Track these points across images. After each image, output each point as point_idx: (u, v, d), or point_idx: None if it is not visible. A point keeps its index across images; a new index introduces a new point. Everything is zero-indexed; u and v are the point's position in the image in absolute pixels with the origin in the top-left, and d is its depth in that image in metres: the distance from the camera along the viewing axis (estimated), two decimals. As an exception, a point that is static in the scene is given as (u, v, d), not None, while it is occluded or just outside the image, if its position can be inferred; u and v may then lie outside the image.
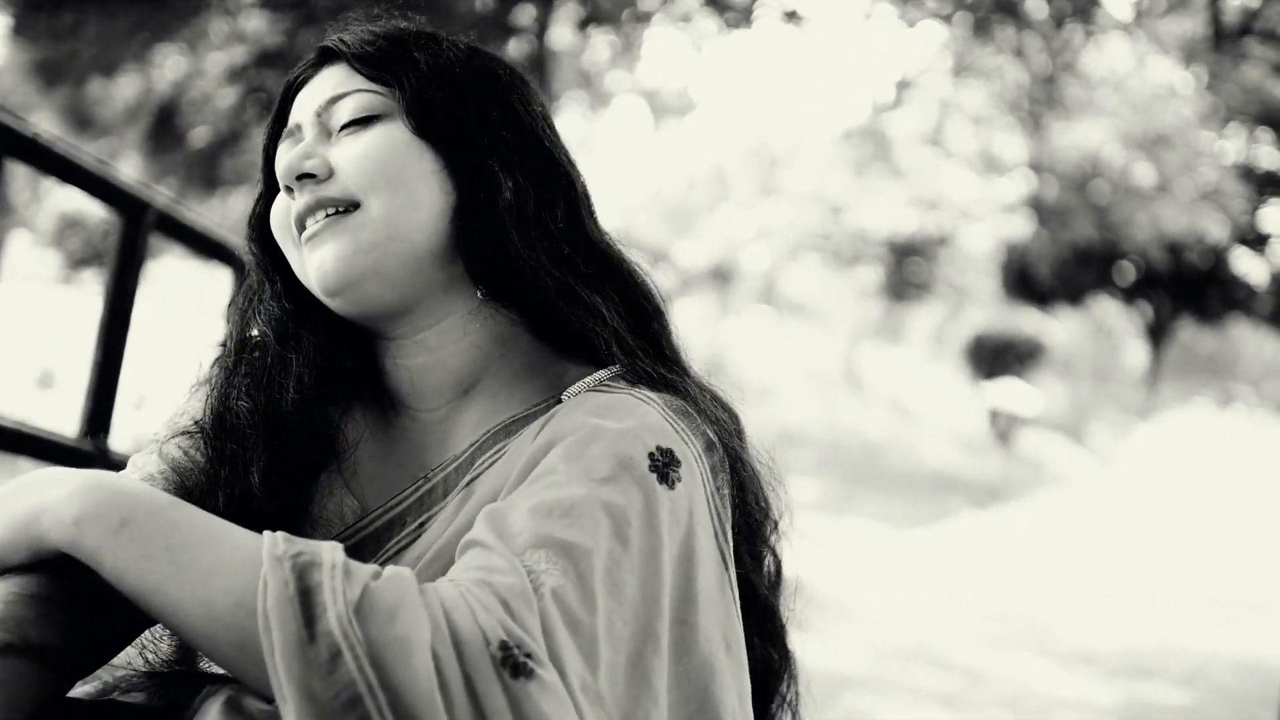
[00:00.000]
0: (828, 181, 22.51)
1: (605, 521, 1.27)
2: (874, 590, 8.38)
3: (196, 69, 13.67)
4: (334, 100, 1.45)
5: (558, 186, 1.47)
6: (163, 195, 2.89)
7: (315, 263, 1.42)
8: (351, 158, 1.41)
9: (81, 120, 15.07)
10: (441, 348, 1.47)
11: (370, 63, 1.45)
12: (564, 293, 1.44)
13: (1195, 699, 7.15)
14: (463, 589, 1.17)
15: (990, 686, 6.75)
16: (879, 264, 23.05)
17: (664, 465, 1.34)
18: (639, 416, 1.37)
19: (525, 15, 12.08)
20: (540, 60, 11.68)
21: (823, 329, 21.21)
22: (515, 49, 11.83)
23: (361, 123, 1.43)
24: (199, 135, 14.08)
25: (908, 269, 23.13)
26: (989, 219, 23.19)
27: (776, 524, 1.60)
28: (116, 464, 2.23)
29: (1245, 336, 29.46)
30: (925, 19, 10.76)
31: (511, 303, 1.47)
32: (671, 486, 1.33)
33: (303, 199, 1.42)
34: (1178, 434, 22.65)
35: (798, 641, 1.65)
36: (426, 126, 1.42)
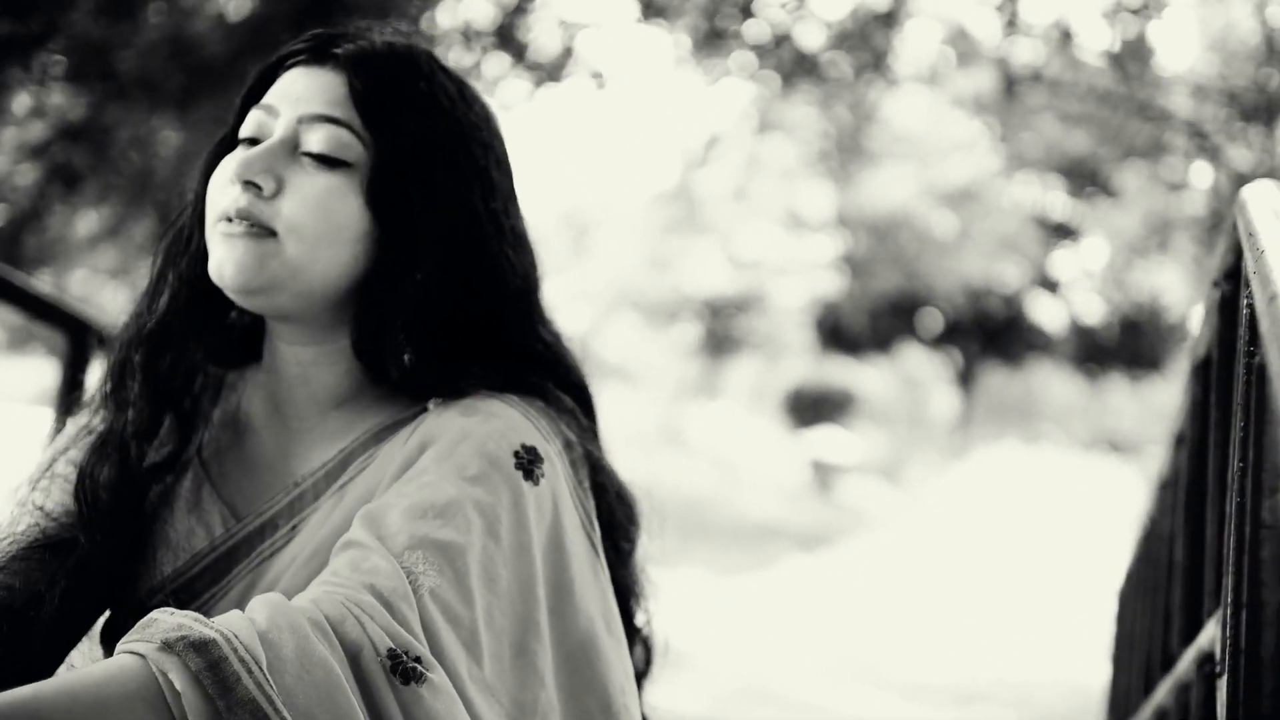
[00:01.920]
0: (642, 242, 22.75)
1: (477, 520, 1.33)
2: (708, 636, 8.46)
3: (-8, 145, 13.27)
4: (320, 119, 1.43)
5: (475, 279, 1.48)
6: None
7: (218, 257, 1.43)
8: (299, 196, 1.41)
9: None
10: (318, 364, 1.51)
11: (368, 104, 1.44)
12: (435, 383, 1.48)
13: (1024, 720, 7.37)
14: (344, 597, 1.20)
15: (828, 720, 6.87)
16: (696, 321, 23.33)
17: (529, 463, 1.41)
18: (504, 417, 1.44)
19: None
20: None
21: (641, 389, 21.34)
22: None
23: (329, 162, 1.42)
24: (-3, 213, 13.65)
25: (724, 325, 23.45)
26: (801, 273, 23.64)
27: (638, 525, 1.67)
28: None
29: (1048, 378, 30.49)
30: (727, 77, 11.00)
31: (376, 362, 1.49)
32: (536, 483, 1.40)
33: (240, 200, 1.42)
34: (989, 473, 23.29)
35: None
36: (380, 201, 1.43)
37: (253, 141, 1.46)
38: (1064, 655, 9.29)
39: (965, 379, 30.01)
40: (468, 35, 8.51)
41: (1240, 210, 1.47)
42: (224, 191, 1.44)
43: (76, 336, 3.03)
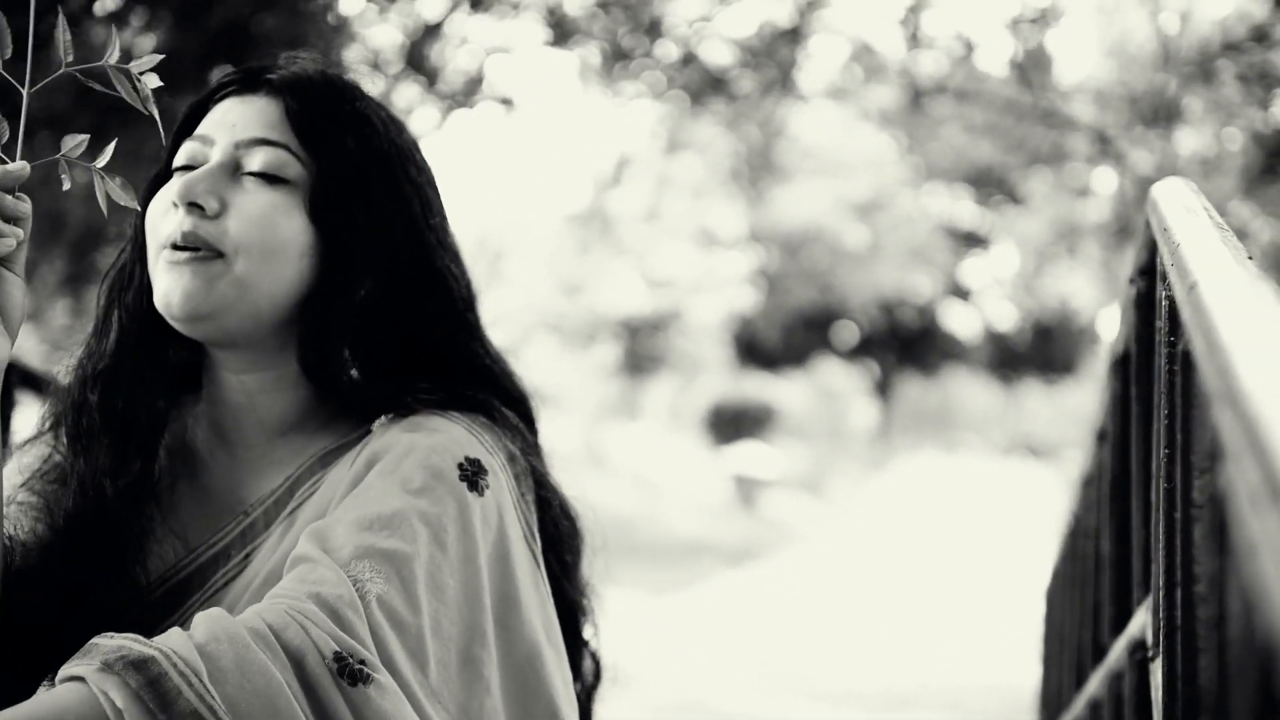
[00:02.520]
0: (557, 264, 22.75)
1: (423, 529, 1.35)
2: (640, 653, 8.45)
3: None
4: (258, 142, 1.44)
5: (420, 292, 1.50)
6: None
7: (164, 286, 1.43)
8: (243, 213, 1.42)
9: None
10: (264, 392, 1.52)
11: (305, 125, 1.45)
12: (374, 397, 1.49)
13: (956, 723, 7.44)
14: (287, 606, 1.22)
15: (764, 731, 6.89)
16: (613, 341, 23.35)
17: (473, 474, 1.42)
18: (447, 431, 1.45)
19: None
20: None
21: (561, 411, 21.32)
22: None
23: (271, 179, 1.44)
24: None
25: (641, 345, 23.49)
26: (715, 290, 23.75)
27: (582, 539, 1.70)
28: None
29: (964, 385, 30.86)
30: (637, 98, 11.04)
31: (325, 380, 1.50)
32: (481, 494, 1.42)
33: (185, 224, 1.42)
34: (910, 481, 23.48)
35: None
36: (323, 217, 1.44)
37: (188, 169, 1.46)
38: (993, 658, 9.38)
39: (882, 390, 30.28)
40: (376, 64, 8.48)
41: (1153, 208, 1.52)
42: (166, 218, 1.44)
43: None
